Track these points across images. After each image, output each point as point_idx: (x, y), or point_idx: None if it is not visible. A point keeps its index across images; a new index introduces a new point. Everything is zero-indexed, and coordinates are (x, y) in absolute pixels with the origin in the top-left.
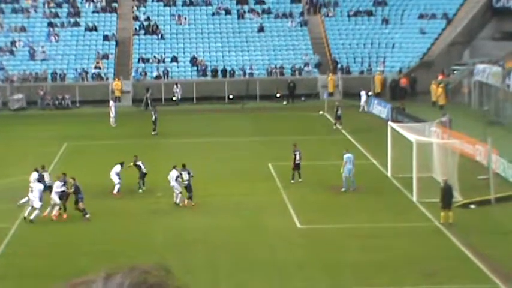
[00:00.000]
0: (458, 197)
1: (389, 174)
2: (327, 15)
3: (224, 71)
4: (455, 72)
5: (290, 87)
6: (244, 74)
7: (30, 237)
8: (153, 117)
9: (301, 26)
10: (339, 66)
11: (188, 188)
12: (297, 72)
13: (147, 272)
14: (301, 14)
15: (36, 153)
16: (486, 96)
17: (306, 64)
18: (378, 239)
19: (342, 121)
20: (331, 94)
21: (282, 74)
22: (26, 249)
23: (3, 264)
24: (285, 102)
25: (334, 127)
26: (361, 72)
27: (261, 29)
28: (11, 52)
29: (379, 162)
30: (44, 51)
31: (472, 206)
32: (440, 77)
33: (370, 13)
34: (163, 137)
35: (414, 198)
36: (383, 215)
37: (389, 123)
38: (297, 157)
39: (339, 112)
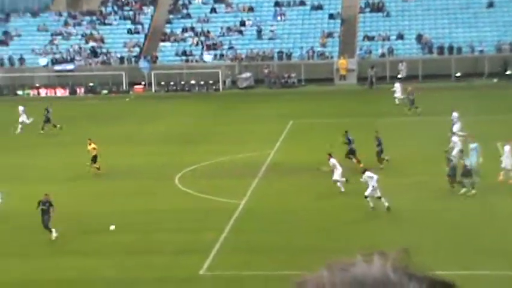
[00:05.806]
0: None
1: None
2: None
3: (451, 48)
4: None
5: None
6: (472, 51)
7: (258, 212)
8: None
9: None
10: None
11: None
12: None
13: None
14: None
15: (263, 131)
16: None
17: None
18: None
19: None
20: None
21: None
22: (254, 225)
23: (233, 239)
24: (495, 80)
25: None
26: None
27: (491, 5)
28: (240, 32)
29: None
30: (271, 31)
31: None
32: None
33: None
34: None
35: None
36: None
37: None
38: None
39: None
